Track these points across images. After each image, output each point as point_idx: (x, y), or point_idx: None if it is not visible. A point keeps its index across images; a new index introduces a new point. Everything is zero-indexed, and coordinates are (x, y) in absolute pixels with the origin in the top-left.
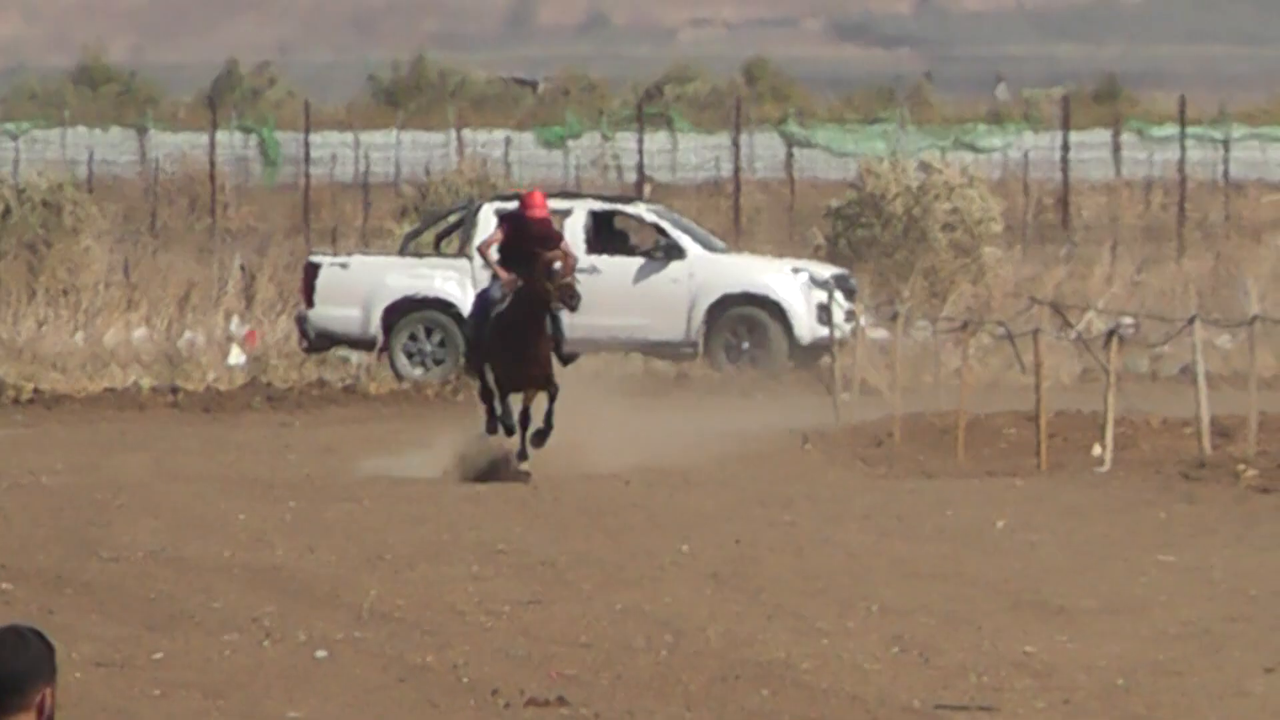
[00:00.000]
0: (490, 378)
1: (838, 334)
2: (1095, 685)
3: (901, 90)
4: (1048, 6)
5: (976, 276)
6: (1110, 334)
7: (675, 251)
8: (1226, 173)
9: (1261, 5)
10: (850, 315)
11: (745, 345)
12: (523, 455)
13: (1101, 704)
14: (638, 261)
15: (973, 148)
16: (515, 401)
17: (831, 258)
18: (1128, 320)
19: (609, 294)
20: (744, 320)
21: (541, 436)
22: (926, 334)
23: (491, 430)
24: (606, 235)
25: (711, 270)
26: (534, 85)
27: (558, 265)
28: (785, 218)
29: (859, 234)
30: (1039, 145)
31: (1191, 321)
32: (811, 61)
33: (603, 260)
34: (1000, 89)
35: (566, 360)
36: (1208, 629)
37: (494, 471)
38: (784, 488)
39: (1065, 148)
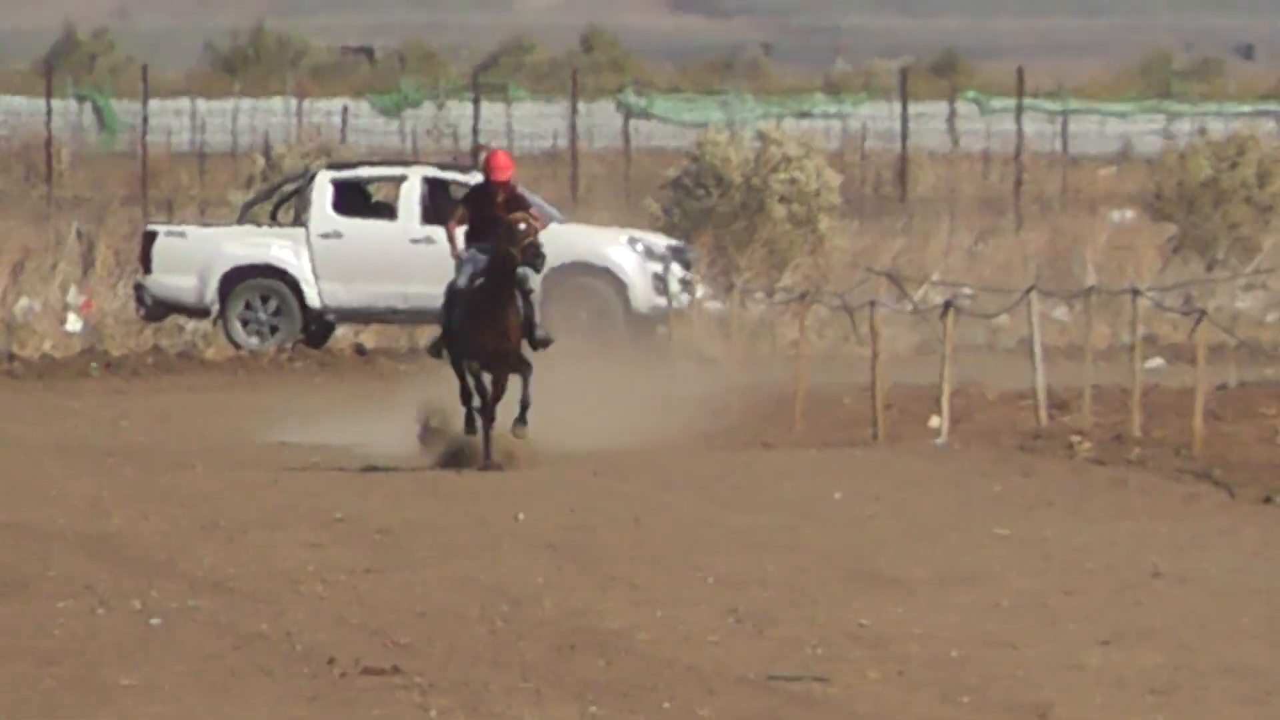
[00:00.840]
0: (467, 372)
1: (674, 305)
2: (929, 656)
3: (739, 61)
4: None
5: (814, 247)
6: (947, 306)
7: None
8: (1064, 145)
9: None
10: (687, 286)
11: (582, 315)
12: (487, 453)
13: (935, 675)
14: None
15: (811, 118)
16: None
17: (668, 228)
18: (965, 292)
19: (446, 262)
20: (580, 290)
21: (522, 414)
22: (763, 305)
23: (470, 431)
24: (442, 203)
25: (548, 240)
26: (370, 54)
27: (522, 226)
28: (622, 188)
29: (696, 205)
30: (877, 116)
31: (1028, 293)
32: (649, 32)
33: (438, 230)
34: (839, 60)
35: (538, 344)
36: (1043, 601)
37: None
38: (620, 458)
39: (904, 119)
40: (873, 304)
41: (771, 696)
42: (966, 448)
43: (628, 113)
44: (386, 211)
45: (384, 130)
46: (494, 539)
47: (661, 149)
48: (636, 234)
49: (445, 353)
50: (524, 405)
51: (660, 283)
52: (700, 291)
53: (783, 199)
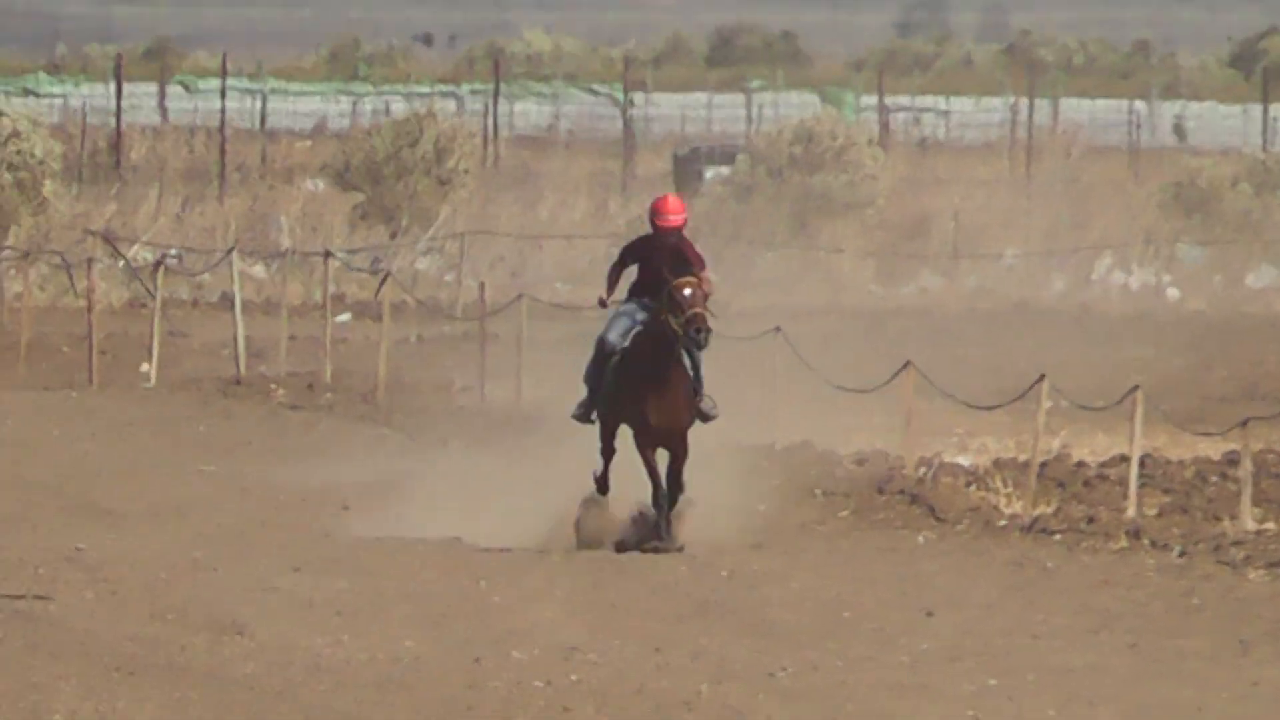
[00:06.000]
0: (611, 432)
1: None
2: (140, 579)
3: None
4: None
5: (37, 210)
6: (157, 264)
7: None
8: (263, 121)
9: None
10: None
11: None
12: (662, 530)
13: (145, 595)
14: None
15: (36, 96)
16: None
17: None
18: (172, 252)
19: None
20: None
21: (671, 502)
22: None
23: (603, 490)
24: None
25: None
26: None
27: (687, 292)
28: None
29: None
30: (95, 95)
31: (230, 253)
32: None
33: None
34: (60, 45)
35: (705, 418)
36: (241, 531)
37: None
38: None
39: (118, 97)
40: (90, 262)
41: None
42: (174, 392)
43: None
44: None
45: None
46: None
47: None
48: None
49: (595, 416)
50: (673, 499)
51: None
52: None
53: (11, 166)
